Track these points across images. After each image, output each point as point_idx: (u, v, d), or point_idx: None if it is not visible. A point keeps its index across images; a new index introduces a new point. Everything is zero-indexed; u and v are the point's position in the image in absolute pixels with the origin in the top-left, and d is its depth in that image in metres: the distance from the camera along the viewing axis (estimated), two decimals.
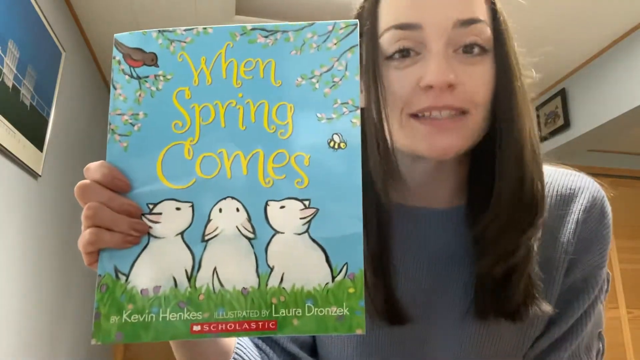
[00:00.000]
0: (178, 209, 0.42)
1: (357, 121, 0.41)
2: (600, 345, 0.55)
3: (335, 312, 0.40)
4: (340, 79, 0.42)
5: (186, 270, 0.41)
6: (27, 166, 1.84)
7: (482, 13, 0.48)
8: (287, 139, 0.41)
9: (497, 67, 0.48)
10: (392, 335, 0.52)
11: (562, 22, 2.36)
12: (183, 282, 0.41)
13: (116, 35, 0.43)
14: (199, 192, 0.42)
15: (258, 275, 0.41)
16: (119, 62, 0.43)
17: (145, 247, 0.41)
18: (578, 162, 3.74)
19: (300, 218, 0.41)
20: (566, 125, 2.81)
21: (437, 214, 0.53)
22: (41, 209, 2.05)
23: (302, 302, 0.41)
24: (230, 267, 0.41)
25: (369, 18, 0.51)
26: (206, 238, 0.41)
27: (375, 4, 0.50)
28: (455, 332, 0.52)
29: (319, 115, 0.41)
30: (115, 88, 0.43)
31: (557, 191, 0.54)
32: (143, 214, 0.41)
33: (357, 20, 0.42)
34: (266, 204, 0.41)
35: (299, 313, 0.40)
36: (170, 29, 0.43)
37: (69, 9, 2.23)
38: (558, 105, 2.88)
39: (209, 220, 0.41)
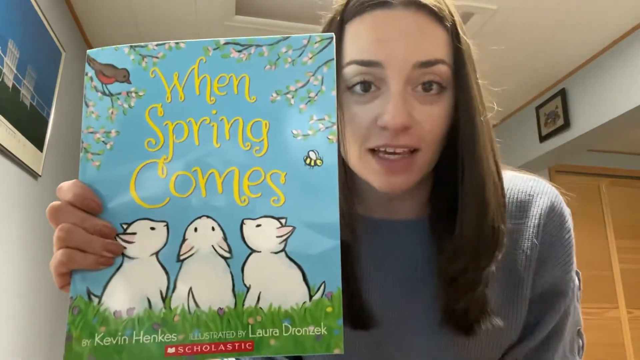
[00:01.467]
0: (152, 228, 0.41)
1: (334, 137, 0.40)
2: (580, 342, 0.57)
3: (313, 331, 0.40)
4: (316, 94, 0.41)
5: (161, 291, 0.40)
6: (27, 166, 1.84)
7: (443, 53, 0.48)
8: (263, 156, 0.41)
9: (459, 104, 0.49)
10: (367, 339, 0.53)
11: (562, 22, 2.36)
12: (158, 303, 0.40)
13: (88, 51, 0.42)
14: (174, 211, 0.41)
15: (234, 295, 0.40)
16: (91, 79, 0.42)
17: (118, 268, 0.40)
18: (578, 162, 3.76)
19: (277, 237, 0.40)
20: (566, 125, 2.81)
21: (401, 225, 0.55)
22: (41, 209, 2.05)
23: (279, 322, 0.40)
24: (206, 287, 0.40)
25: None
26: (181, 258, 0.40)
27: (340, 36, 0.51)
28: (426, 337, 0.52)
29: (294, 131, 0.41)
30: (87, 105, 0.42)
31: (516, 197, 0.55)
32: (117, 234, 0.40)
33: (333, 33, 0.41)
34: (242, 223, 0.40)
35: (276, 333, 0.40)
36: (142, 44, 0.42)
37: (69, 9, 2.23)
38: (558, 105, 2.88)
39: (184, 240, 0.41)
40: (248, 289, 0.40)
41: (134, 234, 0.41)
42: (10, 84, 1.65)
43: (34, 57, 1.84)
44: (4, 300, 1.74)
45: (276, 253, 0.40)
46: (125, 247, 0.40)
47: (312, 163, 0.40)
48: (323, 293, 0.40)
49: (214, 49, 0.41)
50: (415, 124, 0.47)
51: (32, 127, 1.86)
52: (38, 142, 1.94)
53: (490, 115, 0.53)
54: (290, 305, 0.40)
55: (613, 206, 3.53)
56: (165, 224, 0.41)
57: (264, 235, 0.40)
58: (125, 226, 0.41)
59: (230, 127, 0.41)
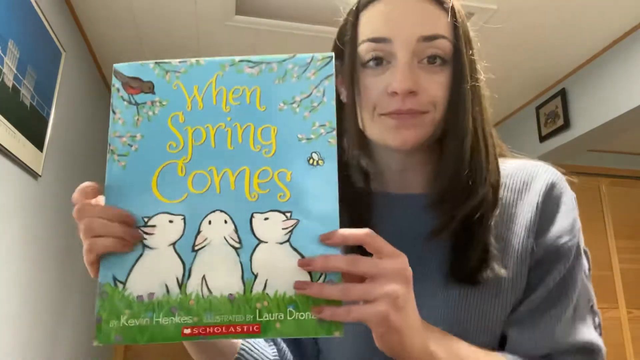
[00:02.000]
0: (171, 221, 0.46)
1: (334, 141, 0.47)
2: (596, 318, 0.60)
3: (314, 316, 0.44)
4: (318, 104, 0.47)
5: (177, 278, 0.45)
6: (27, 166, 1.84)
7: (444, 29, 0.56)
8: (271, 157, 0.46)
9: (452, 74, 0.57)
10: None
11: (562, 22, 2.36)
12: (174, 289, 0.45)
13: (115, 66, 0.48)
14: (191, 206, 0.46)
15: (243, 282, 0.45)
16: (118, 90, 0.48)
17: (139, 257, 0.45)
18: (578, 162, 3.76)
19: (283, 228, 0.45)
20: (566, 125, 2.81)
21: (411, 198, 0.62)
22: (41, 209, 2.05)
23: (284, 307, 0.44)
24: (218, 275, 0.45)
25: (350, 30, 0.59)
26: (196, 248, 0.45)
27: (356, 19, 0.59)
28: (436, 295, 0.58)
29: (299, 135, 0.47)
30: (114, 112, 0.48)
31: (520, 177, 0.61)
32: (139, 227, 0.46)
33: (333, 52, 0.48)
34: (252, 216, 0.46)
35: (281, 317, 0.44)
36: (167, 60, 0.48)
37: (69, 9, 2.23)
38: (558, 105, 2.88)
39: (199, 232, 0.46)
40: (256, 276, 0.45)
41: (154, 226, 0.45)
42: (10, 84, 1.65)
43: (34, 57, 1.84)
44: (4, 300, 1.74)
45: (281, 243, 0.45)
46: (145, 238, 0.45)
47: (315, 163, 0.46)
48: (324, 281, 0.44)
49: (230, 65, 0.48)
50: (421, 90, 0.55)
51: (32, 127, 1.86)
52: (38, 142, 1.94)
53: (482, 85, 0.60)
54: (293, 292, 0.44)
55: (613, 206, 3.53)
56: (182, 217, 0.46)
57: (271, 227, 0.45)
58: (146, 219, 0.46)
59: (243, 132, 0.47)
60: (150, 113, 0.47)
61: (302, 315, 0.44)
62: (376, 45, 0.56)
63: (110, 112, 0.48)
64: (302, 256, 0.45)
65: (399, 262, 0.45)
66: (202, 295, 0.45)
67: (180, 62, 0.48)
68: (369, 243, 0.45)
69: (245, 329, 0.44)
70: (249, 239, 0.45)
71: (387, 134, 0.56)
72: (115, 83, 0.48)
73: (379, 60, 0.57)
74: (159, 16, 2.33)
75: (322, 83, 0.48)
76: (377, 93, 0.56)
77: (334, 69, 0.47)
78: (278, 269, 0.45)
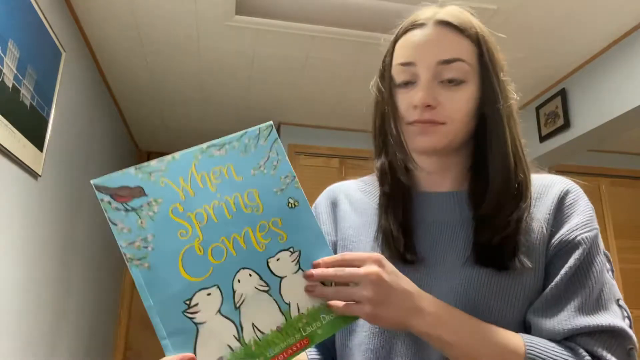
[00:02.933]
0: (209, 294, 0.53)
1: (298, 184, 0.59)
2: (624, 312, 0.63)
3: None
4: (277, 162, 0.59)
5: (234, 336, 0.54)
6: (27, 166, 1.84)
7: (462, 54, 0.66)
8: (262, 213, 0.57)
9: (482, 94, 0.67)
10: (412, 273, 0.66)
11: (562, 22, 2.36)
12: (236, 345, 0.54)
13: (93, 181, 0.51)
14: (219, 275, 0.54)
15: (283, 313, 0.56)
16: (110, 202, 0.52)
17: (197, 334, 0.53)
18: (578, 162, 3.76)
19: (292, 261, 0.58)
20: (566, 125, 2.81)
21: (443, 195, 0.72)
22: (41, 209, 2.05)
23: (318, 316, 0.57)
24: (263, 317, 0.55)
25: (388, 56, 0.72)
26: (237, 305, 0.55)
27: (393, 47, 0.71)
28: (459, 273, 0.65)
29: (274, 190, 0.58)
30: (115, 224, 0.52)
31: (541, 182, 0.70)
32: (183, 311, 0.52)
33: (271, 122, 0.60)
34: (267, 262, 0.57)
35: (319, 325, 0.57)
36: (145, 163, 0.54)
37: (69, 9, 2.23)
38: (558, 105, 2.88)
39: (234, 292, 0.55)
40: (289, 305, 0.56)
41: (197, 304, 0.53)
42: (10, 84, 1.65)
43: (34, 57, 1.84)
44: (4, 300, 1.74)
45: (295, 272, 0.57)
46: (194, 317, 0.53)
47: (293, 205, 0.59)
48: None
49: (202, 153, 0.56)
50: (439, 105, 0.65)
51: (32, 127, 1.86)
52: (38, 142, 1.93)
53: (512, 104, 0.70)
54: (319, 302, 0.57)
55: (613, 206, 3.53)
56: (216, 286, 0.54)
57: (283, 264, 0.57)
58: (187, 301, 0.53)
59: (234, 201, 0.56)
60: (151, 213, 0.53)
61: (331, 317, 0.57)
62: (404, 68, 0.68)
63: (110, 225, 0.52)
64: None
65: (370, 267, 0.56)
66: (259, 339, 0.54)
67: (157, 162, 0.54)
68: (343, 262, 0.58)
69: (300, 346, 0.56)
70: (272, 279, 0.56)
71: (411, 139, 0.68)
72: (103, 197, 0.52)
73: (407, 83, 0.68)
74: (159, 16, 2.33)
75: (273, 146, 0.59)
76: (405, 107, 0.68)
77: (276, 133, 0.60)
78: (302, 292, 0.57)
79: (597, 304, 0.61)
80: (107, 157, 3.14)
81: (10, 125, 1.66)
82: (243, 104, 3.28)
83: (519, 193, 0.66)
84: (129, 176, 0.53)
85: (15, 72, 1.69)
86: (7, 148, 1.65)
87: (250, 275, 0.55)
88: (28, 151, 1.83)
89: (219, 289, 0.54)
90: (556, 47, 2.58)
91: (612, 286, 0.64)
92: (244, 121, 3.58)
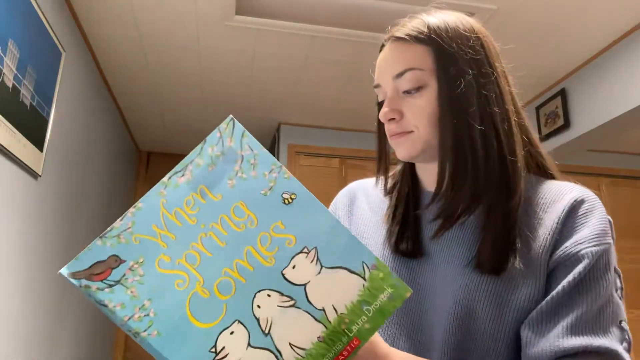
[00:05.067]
0: (232, 332, 0.48)
1: (289, 174, 0.50)
2: (626, 335, 0.60)
3: (384, 296, 0.50)
4: (255, 158, 0.50)
5: None
6: (27, 166, 1.84)
7: (413, 61, 0.67)
8: (258, 224, 0.49)
9: (447, 89, 0.66)
10: (411, 267, 0.69)
11: (562, 22, 2.36)
12: None
13: (62, 272, 0.45)
14: (235, 309, 0.48)
15: (319, 321, 0.49)
16: (88, 286, 0.46)
17: None
18: (578, 162, 3.76)
19: (311, 262, 0.49)
20: (566, 125, 2.81)
21: (429, 195, 0.74)
22: (41, 209, 2.05)
23: (360, 310, 0.50)
24: (298, 334, 0.49)
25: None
26: (267, 332, 0.48)
27: (375, 69, 0.74)
28: (457, 273, 0.65)
29: (262, 192, 0.50)
30: (105, 305, 0.46)
31: (556, 189, 0.67)
32: (213, 359, 0.47)
33: (231, 115, 0.51)
34: (283, 275, 0.49)
35: (365, 319, 0.50)
36: (108, 229, 0.46)
37: (69, 9, 2.23)
38: (558, 105, 2.88)
39: (258, 319, 0.48)
40: (323, 310, 0.49)
41: (223, 347, 0.47)
42: (10, 84, 1.65)
43: (34, 57, 1.84)
44: (4, 300, 1.74)
45: (319, 273, 0.49)
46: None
47: (289, 200, 0.50)
48: (369, 269, 0.50)
49: (165, 188, 0.48)
50: (403, 116, 0.68)
51: (32, 127, 1.86)
52: (38, 142, 1.93)
53: (504, 91, 0.68)
54: (357, 295, 0.50)
55: (613, 206, 3.53)
56: (237, 321, 0.48)
57: (302, 270, 0.49)
58: (213, 349, 0.47)
59: (221, 225, 0.49)
60: (138, 277, 0.46)
61: (376, 305, 0.50)
62: (376, 90, 0.73)
63: (100, 308, 0.47)
64: (340, 267, 0.50)
65: None
66: (302, 356, 0.48)
67: (120, 220, 0.47)
68: None
69: (350, 349, 0.49)
70: (295, 291, 0.49)
71: (394, 149, 0.72)
72: (80, 283, 0.46)
73: (382, 101, 0.72)
74: (159, 16, 2.33)
75: (242, 142, 0.50)
76: (383, 123, 0.72)
77: (242, 126, 0.50)
78: (334, 291, 0.49)
79: (593, 324, 0.57)
80: (107, 157, 3.14)
81: (10, 125, 1.66)
82: (243, 104, 3.28)
83: (506, 187, 0.65)
84: (97, 249, 0.46)
85: (15, 72, 1.69)
86: (7, 148, 1.65)
87: (269, 295, 0.49)
88: (28, 151, 1.83)
89: (241, 323, 0.48)
90: (556, 47, 2.58)
91: (617, 306, 0.60)
92: (244, 121, 3.58)
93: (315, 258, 0.50)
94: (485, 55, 0.68)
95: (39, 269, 2.06)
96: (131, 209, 0.47)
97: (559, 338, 0.57)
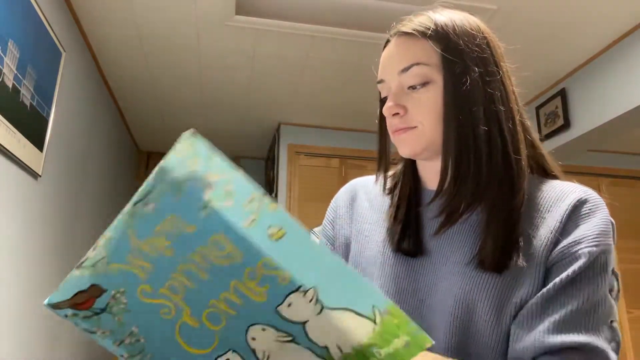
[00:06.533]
0: (228, 359, 0.45)
1: (274, 204, 0.39)
2: (615, 335, 0.59)
3: (400, 342, 0.42)
4: (230, 184, 0.39)
5: None
6: (27, 166, 1.84)
7: (420, 56, 0.67)
8: (243, 259, 0.42)
9: (453, 86, 0.66)
10: (411, 265, 0.69)
11: (562, 22, 2.36)
12: None
13: (46, 304, 0.43)
14: (227, 339, 0.45)
15: (322, 358, 0.45)
16: (75, 315, 0.44)
17: None
18: (578, 162, 3.75)
19: (309, 302, 0.43)
20: (566, 125, 2.81)
21: (431, 192, 0.74)
22: (41, 209, 2.05)
23: (370, 352, 0.44)
24: None
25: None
26: None
27: (379, 65, 0.74)
28: (457, 272, 0.65)
29: (244, 224, 0.40)
30: (94, 332, 0.44)
31: (560, 189, 0.67)
32: None
33: (192, 129, 0.40)
34: (276, 311, 0.44)
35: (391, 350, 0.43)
36: (83, 258, 0.42)
37: (69, 9, 2.23)
38: (558, 105, 2.88)
39: (253, 351, 0.45)
40: (327, 348, 0.44)
41: None
42: (10, 84, 1.65)
43: (34, 57, 1.84)
44: (4, 300, 1.74)
45: (320, 313, 0.43)
46: None
47: (277, 237, 0.40)
48: (380, 313, 0.42)
49: (132, 217, 0.41)
50: (407, 111, 0.68)
51: (32, 127, 1.86)
52: (38, 142, 1.93)
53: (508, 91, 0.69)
54: (365, 338, 0.43)
55: (613, 206, 3.52)
56: (231, 350, 0.45)
57: (299, 308, 0.43)
58: None
59: (201, 257, 0.42)
60: (122, 306, 0.44)
61: (389, 350, 0.43)
62: (380, 86, 0.72)
63: (90, 335, 0.45)
64: (346, 308, 0.43)
65: None
66: None
67: (93, 250, 0.42)
68: None
69: None
70: (292, 328, 0.44)
71: (397, 147, 0.72)
72: (66, 312, 0.43)
73: (385, 97, 0.72)
74: (159, 16, 2.33)
75: (210, 165, 0.39)
76: (387, 119, 0.71)
77: (205, 143, 0.38)
78: (338, 332, 0.44)
79: (582, 322, 0.57)
80: (107, 157, 3.14)
81: (10, 125, 1.66)
82: (243, 104, 3.28)
83: (509, 185, 0.65)
84: (76, 279, 0.43)
85: (15, 72, 1.69)
86: (7, 148, 1.65)
87: (263, 330, 0.44)
88: (28, 151, 1.83)
89: (236, 352, 0.45)
90: (556, 47, 2.58)
91: (610, 307, 0.60)
92: (244, 121, 3.58)
93: (315, 298, 0.43)
94: (491, 54, 0.68)
95: (39, 269, 2.06)
96: (101, 239, 0.42)
97: (545, 334, 0.57)
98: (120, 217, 0.41)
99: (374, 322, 0.43)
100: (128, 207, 0.41)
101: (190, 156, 0.39)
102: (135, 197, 0.41)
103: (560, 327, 0.57)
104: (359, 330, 0.43)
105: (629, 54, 2.46)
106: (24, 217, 1.87)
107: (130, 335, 0.44)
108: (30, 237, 1.95)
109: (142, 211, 0.41)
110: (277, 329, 0.44)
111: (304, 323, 0.44)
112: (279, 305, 0.43)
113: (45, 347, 2.19)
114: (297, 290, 0.43)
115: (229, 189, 0.39)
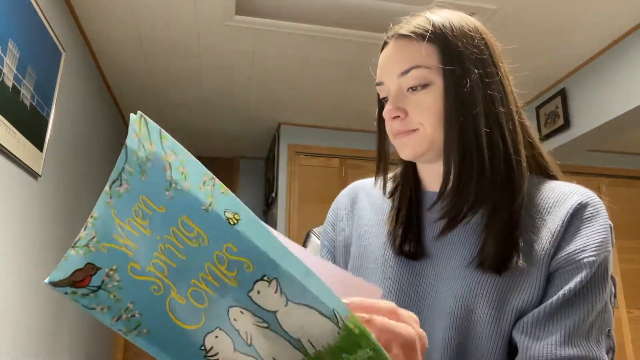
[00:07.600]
0: (216, 336, 0.46)
1: (224, 188, 0.42)
2: (611, 343, 0.62)
3: (364, 355, 0.43)
4: (183, 166, 0.42)
5: None
6: (27, 166, 1.84)
7: (419, 58, 0.66)
8: (209, 242, 0.43)
9: (454, 87, 0.66)
10: (413, 268, 0.69)
11: (562, 22, 2.36)
12: None
13: (47, 282, 0.46)
14: (213, 318, 0.46)
15: (298, 349, 0.45)
16: (74, 292, 0.46)
17: None
18: (578, 162, 3.76)
19: (274, 293, 0.43)
20: (566, 125, 2.81)
21: (433, 195, 0.74)
22: (41, 209, 2.05)
23: (339, 356, 0.43)
24: (281, 353, 0.45)
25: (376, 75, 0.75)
26: (249, 343, 0.46)
27: (377, 67, 0.74)
28: (457, 279, 0.65)
29: (203, 208, 0.42)
30: (93, 309, 0.46)
31: (560, 190, 0.67)
32: (204, 356, 0.46)
33: (139, 111, 0.43)
34: (249, 297, 0.44)
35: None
36: (76, 238, 0.45)
37: (69, 9, 2.23)
38: (558, 105, 2.89)
39: (237, 331, 0.45)
40: (300, 341, 0.45)
41: (212, 347, 0.46)
42: (10, 84, 1.65)
43: (34, 57, 1.84)
44: (4, 300, 1.74)
45: (286, 306, 0.43)
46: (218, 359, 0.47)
47: (234, 221, 0.42)
48: (342, 319, 0.43)
49: (111, 197, 0.44)
50: (407, 114, 0.68)
51: (32, 127, 1.86)
52: (38, 142, 1.94)
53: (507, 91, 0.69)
54: (332, 339, 0.43)
55: (613, 206, 3.52)
56: (218, 328, 0.46)
57: (267, 297, 0.44)
58: (202, 348, 0.46)
59: (175, 238, 0.44)
60: (116, 283, 0.46)
61: (356, 358, 0.44)
62: (379, 88, 0.72)
63: (89, 312, 0.46)
64: (307, 305, 0.43)
65: (411, 331, 0.47)
66: None
67: (84, 230, 0.45)
68: (396, 315, 0.48)
69: None
70: (266, 315, 0.44)
71: (398, 150, 0.71)
72: (65, 290, 0.46)
73: (384, 98, 0.72)
74: (159, 16, 2.33)
75: (164, 146, 0.41)
76: (387, 122, 0.71)
77: (155, 125, 0.42)
78: (308, 327, 0.44)
79: (588, 333, 0.59)
80: (107, 157, 3.14)
81: (10, 125, 1.66)
82: (243, 104, 3.28)
83: (510, 187, 0.65)
84: (72, 258, 0.45)
85: (15, 72, 1.69)
86: (7, 148, 1.65)
87: (242, 312, 0.45)
88: (28, 151, 1.83)
89: (223, 330, 0.46)
90: (556, 47, 2.58)
91: (609, 315, 0.62)
92: (244, 121, 3.59)
93: (279, 290, 0.43)
94: (490, 55, 0.68)
95: (39, 269, 2.06)
96: (89, 219, 0.44)
97: (557, 346, 0.58)
98: (101, 197, 0.44)
99: (337, 325, 0.43)
100: (106, 187, 0.43)
101: (145, 137, 0.41)
102: (111, 177, 0.43)
103: (571, 340, 0.58)
104: (326, 331, 0.43)
105: (628, 54, 2.46)
106: (23, 217, 1.87)
107: (126, 311, 0.46)
108: (30, 236, 1.95)
109: (118, 191, 0.43)
110: (254, 314, 0.44)
111: (275, 312, 0.44)
112: (249, 291, 0.44)
113: (45, 348, 2.19)
114: (261, 279, 0.43)
115: (183, 171, 0.42)
